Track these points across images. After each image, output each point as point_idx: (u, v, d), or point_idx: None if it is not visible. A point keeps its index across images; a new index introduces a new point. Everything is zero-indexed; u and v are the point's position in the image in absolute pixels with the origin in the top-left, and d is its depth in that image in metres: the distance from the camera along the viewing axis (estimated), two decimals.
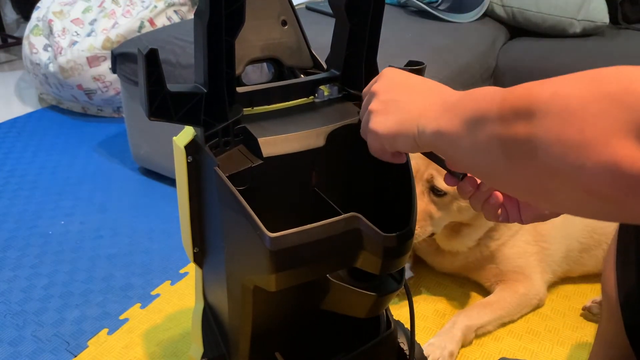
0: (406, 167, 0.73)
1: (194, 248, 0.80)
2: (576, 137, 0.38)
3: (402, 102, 0.60)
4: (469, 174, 0.65)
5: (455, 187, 0.67)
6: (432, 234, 1.25)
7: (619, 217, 0.40)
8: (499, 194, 0.64)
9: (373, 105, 0.62)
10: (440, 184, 1.16)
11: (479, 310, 1.23)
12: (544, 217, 0.67)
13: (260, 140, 0.67)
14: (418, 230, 1.17)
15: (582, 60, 1.82)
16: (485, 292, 1.33)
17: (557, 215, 0.67)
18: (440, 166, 0.66)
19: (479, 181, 0.64)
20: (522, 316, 1.28)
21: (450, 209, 1.20)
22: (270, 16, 0.79)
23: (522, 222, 0.67)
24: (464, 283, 1.38)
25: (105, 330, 1.25)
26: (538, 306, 1.30)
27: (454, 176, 0.65)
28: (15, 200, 1.77)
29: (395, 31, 1.79)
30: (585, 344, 1.21)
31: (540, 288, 1.29)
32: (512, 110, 0.44)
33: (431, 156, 0.66)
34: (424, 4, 2.02)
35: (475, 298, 1.34)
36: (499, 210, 0.65)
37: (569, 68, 1.94)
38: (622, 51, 1.85)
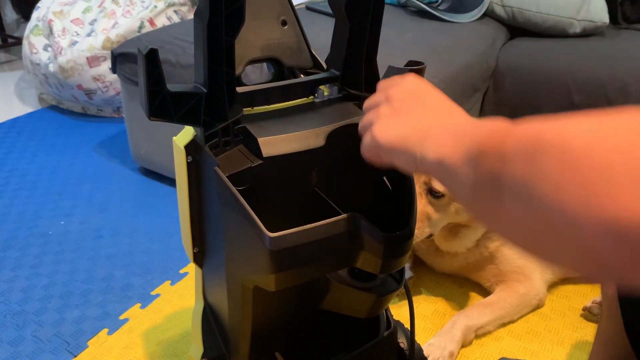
0: None
1: (194, 248, 0.80)
2: (576, 188, 0.34)
3: (413, 117, 0.56)
4: None
5: None
6: (430, 235, 1.25)
7: (620, 282, 0.35)
8: None
9: (383, 109, 0.59)
10: (438, 185, 1.16)
11: (479, 311, 1.23)
12: None
13: (260, 140, 0.67)
14: (416, 231, 1.17)
15: (582, 60, 1.82)
16: (485, 292, 1.33)
17: None
18: None
19: None
20: (522, 316, 1.28)
21: (448, 210, 1.20)
22: (270, 16, 0.79)
23: None
24: (463, 283, 1.38)
25: (105, 330, 1.25)
26: (538, 306, 1.30)
27: None
28: (15, 200, 1.77)
29: (395, 31, 1.79)
30: (585, 343, 1.21)
31: (540, 288, 1.29)
32: (512, 148, 0.40)
33: None
34: (424, 4, 2.02)
35: (475, 298, 1.34)
36: None
37: (569, 68, 1.94)
38: (622, 51, 1.85)
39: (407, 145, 0.53)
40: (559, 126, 0.37)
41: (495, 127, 0.44)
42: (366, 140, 0.59)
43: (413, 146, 0.52)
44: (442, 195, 1.17)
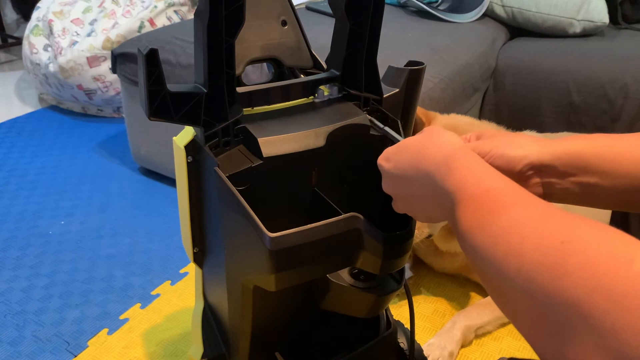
0: None
1: (194, 248, 0.80)
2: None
3: (413, 205, 0.60)
4: None
5: None
6: (430, 236, 1.25)
7: None
8: None
9: (396, 206, 0.63)
10: None
11: (479, 311, 1.23)
12: None
13: (260, 140, 0.67)
14: (415, 232, 1.17)
15: (582, 60, 1.82)
16: (485, 292, 1.33)
17: None
18: None
19: None
20: None
21: None
22: (270, 16, 0.79)
23: None
24: (464, 283, 1.38)
25: (105, 330, 1.25)
26: None
27: None
28: (15, 200, 1.77)
29: (395, 31, 1.79)
30: None
31: None
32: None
33: None
34: (424, 4, 2.02)
35: (475, 298, 1.34)
36: None
37: (569, 68, 1.93)
38: (622, 51, 1.85)
39: (434, 219, 0.58)
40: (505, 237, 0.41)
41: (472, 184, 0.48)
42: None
43: (439, 216, 0.57)
44: None
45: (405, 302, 0.84)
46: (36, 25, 2.32)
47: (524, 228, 0.40)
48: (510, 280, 0.39)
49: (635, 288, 0.31)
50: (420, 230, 1.20)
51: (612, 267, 0.33)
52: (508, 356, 1.18)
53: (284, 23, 0.80)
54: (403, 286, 0.76)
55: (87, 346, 1.20)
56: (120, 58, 1.72)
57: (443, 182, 0.51)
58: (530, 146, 0.58)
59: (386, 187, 0.63)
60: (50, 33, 2.24)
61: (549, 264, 0.36)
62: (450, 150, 0.53)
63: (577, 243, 0.36)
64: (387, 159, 0.62)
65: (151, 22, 2.24)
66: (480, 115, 1.96)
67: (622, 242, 0.35)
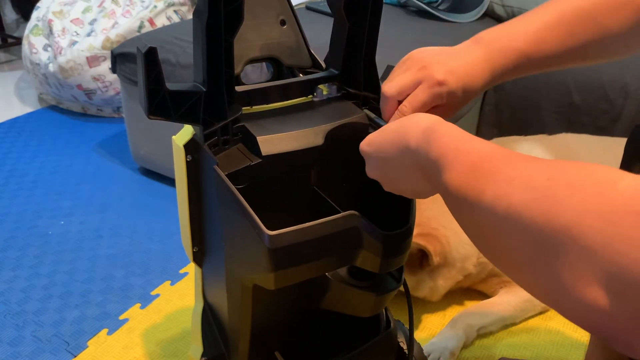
0: None
1: (193, 247, 0.80)
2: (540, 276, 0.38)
3: (400, 184, 0.63)
4: None
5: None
6: None
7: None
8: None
9: (384, 187, 0.66)
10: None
11: (481, 311, 1.22)
12: None
13: (259, 138, 0.67)
14: None
15: None
16: (486, 294, 1.32)
17: None
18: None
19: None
20: (525, 319, 1.27)
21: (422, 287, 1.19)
22: (269, 16, 0.79)
23: None
24: None
25: (105, 330, 1.25)
26: (542, 312, 1.28)
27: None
28: (15, 200, 1.77)
29: (395, 31, 1.79)
30: (584, 344, 1.21)
31: None
32: (466, 190, 0.46)
33: None
34: (424, 4, 2.02)
35: (476, 298, 1.34)
36: None
37: (569, 68, 1.91)
38: None
39: (417, 193, 0.62)
40: (503, 192, 0.42)
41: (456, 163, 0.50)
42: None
43: (423, 190, 0.60)
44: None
45: (405, 302, 0.84)
46: (36, 25, 2.32)
47: (510, 172, 0.43)
48: (501, 221, 0.41)
49: (623, 204, 0.33)
50: None
51: (598, 190, 0.35)
52: (509, 356, 1.17)
53: (283, 22, 0.80)
54: (402, 285, 0.76)
55: (87, 346, 1.20)
56: (119, 58, 1.72)
57: (427, 154, 0.53)
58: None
59: (370, 172, 0.66)
60: (50, 33, 2.24)
61: (538, 199, 0.38)
62: (427, 124, 0.56)
63: (563, 178, 0.38)
64: (369, 143, 0.65)
65: (151, 22, 2.24)
66: (480, 115, 1.95)
67: (603, 169, 0.38)
